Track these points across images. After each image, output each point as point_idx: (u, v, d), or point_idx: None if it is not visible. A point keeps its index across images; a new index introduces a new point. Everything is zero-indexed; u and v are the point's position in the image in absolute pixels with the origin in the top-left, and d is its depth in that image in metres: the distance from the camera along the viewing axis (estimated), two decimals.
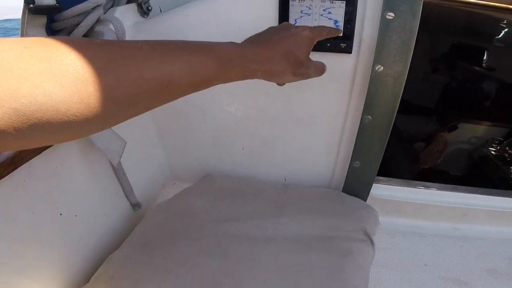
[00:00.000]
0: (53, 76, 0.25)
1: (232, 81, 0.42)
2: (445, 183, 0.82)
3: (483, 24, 1.84)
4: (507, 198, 0.79)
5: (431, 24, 2.28)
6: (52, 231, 0.57)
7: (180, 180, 0.98)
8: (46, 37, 0.27)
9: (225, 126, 0.83)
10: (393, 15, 0.55)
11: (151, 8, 0.78)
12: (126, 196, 0.78)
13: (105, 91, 0.27)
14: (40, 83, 0.24)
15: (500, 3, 1.39)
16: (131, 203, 0.79)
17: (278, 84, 0.52)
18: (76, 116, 0.26)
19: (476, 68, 2.03)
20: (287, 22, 0.60)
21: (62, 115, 0.25)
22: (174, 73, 0.33)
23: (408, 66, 0.59)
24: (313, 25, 0.64)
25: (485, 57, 1.91)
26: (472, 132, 1.88)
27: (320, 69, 0.52)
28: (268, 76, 0.45)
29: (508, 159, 1.71)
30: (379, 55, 0.58)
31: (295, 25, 0.64)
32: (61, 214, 0.59)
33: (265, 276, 0.58)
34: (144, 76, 0.30)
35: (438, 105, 2.48)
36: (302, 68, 0.48)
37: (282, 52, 0.46)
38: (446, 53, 2.26)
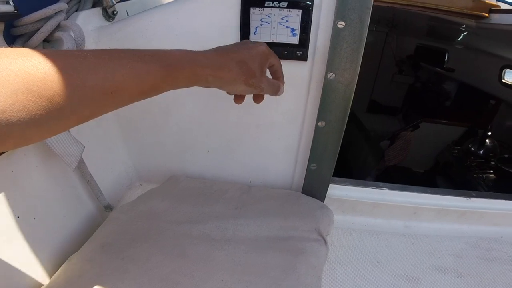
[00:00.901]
0: None
1: (183, 87, 0.42)
2: (408, 180, 0.86)
3: (444, 28, 1.92)
4: (453, 197, 0.84)
5: (399, 28, 2.36)
6: (9, 234, 0.57)
7: (147, 182, 0.98)
8: (2, 42, 0.28)
9: (189, 129, 0.84)
10: (344, 24, 0.58)
11: (117, 13, 0.78)
12: (93, 198, 0.78)
13: (46, 99, 0.28)
14: None
15: (458, 7, 1.46)
16: (101, 204, 0.79)
17: (228, 93, 0.52)
18: (18, 124, 0.27)
19: (438, 69, 2.11)
20: (247, 39, 0.62)
21: (3, 124, 0.26)
22: (119, 80, 0.33)
23: (358, 73, 0.61)
24: (272, 33, 0.66)
25: (446, 59, 2.00)
26: (433, 131, 1.96)
27: (274, 86, 0.53)
28: (219, 82, 0.45)
29: (469, 158, 1.79)
30: (331, 63, 0.61)
31: (256, 33, 0.66)
32: (18, 217, 0.58)
33: (222, 275, 0.60)
34: (87, 84, 0.30)
35: (402, 105, 2.58)
36: (254, 79, 0.48)
37: (236, 60, 0.47)
38: (411, 55, 2.35)
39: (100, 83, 0.32)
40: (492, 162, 1.69)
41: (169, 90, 0.40)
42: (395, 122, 2.51)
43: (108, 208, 0.80)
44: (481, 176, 1.66)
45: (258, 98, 0.57)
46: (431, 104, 2.31)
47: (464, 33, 1.85)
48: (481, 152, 1.74)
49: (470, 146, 1.79)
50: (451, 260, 0.76)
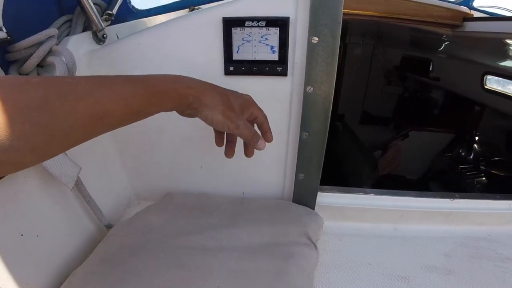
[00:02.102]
0: None
1: (169, 108, 0.45)
2: (403, 188, 0.89)
3: (426, 38, 1.97)
4: (437, 199, 0.87)
5: (384, 40, 2.43)
6: (13, 251, 0.59)
7: (145, 200, 1.00)
8: None
9: (182, 147, 0.86)
10: (317, 40, 0.62)
11: (106, 36, 0.81)
12: (93, 217, 0.80)
13: (42, 128, 0.29)
14: None
15: (433, 17, 1.51)
16: (101, 223, 0.81)
17: (207, 123, 0.50)
18: (15, 152, 0.28)
19: (424, 79, 2.16)
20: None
21: (2, 151, 0.27)
22: (107, 106, 0.35)
23: (334, 86, 0.65)
24: (253, 51, 0.70)
25: (431, 68, 2.05)
26: (422, 139, 1.99)
27: (251, 130, 0.52)
28: (199, 103, 0.46)
29: (459, 164, 1.82)
30: (308, 77, 0.65)
31: (238, 51, 0.71)
32: (22, 235, 0.60)
33: (217, 282, 0.62)
34: (78, 111, 0.32)
35: (393, 115, 2.62)
36: (232, 112, 0.49)
37: (219, 91, 0.49)
38: (398, 66, 2.41)
39: (90, 109, 0.33)
40: (481, 167, 1.71)
41: (156, 112, 0.43)
42: (387, 132, 2.55)
43: (109, 227, 0.82)
44: (473, 181, 1.69)
45: (248, 150, 0.58)
46: (419, 113, 2.34)
47: (446, 43, 1.91)
48: (471, 157, 1.77)
49: (460, 151, 1.82)
50: (441, 259, 0.78)
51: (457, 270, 0.74)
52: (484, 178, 1.70)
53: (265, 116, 0.57)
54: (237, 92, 0.54)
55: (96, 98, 0.34)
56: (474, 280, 0.72)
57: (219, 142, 0.59)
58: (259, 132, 0.57)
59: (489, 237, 0.86)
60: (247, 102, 0.53)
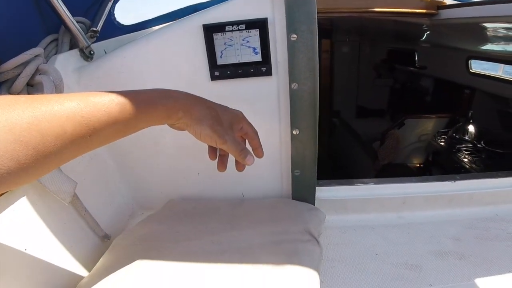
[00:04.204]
0: None
1: (157, 123, 0.43)
2: (405, 175, 0.86)
3: (407, 30, 1.95)
4: (438, 183, 0.83)
5: (369, 36, 2.41)
6: (17, 264, 0.57)
7: (147, 209, 0.97)
8: None
9: (178, 155, 0.84)
10: (296, 36, 0.60)
11: (94, 52, 0.80)
12: (92, 229, 0.77)
13: (32, 148, 0.28)
14: None
15: (408, 8, 1.50)
16: (98, 235, 0.79)
17: (196, 137, 0.48)
18: (8, 173, 0.27)
19: (411, 68, 2.14)
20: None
21: None
22: (95, 124, 0.34)
23: (318, 80, 0.63)
24: (237, 55, 0.68)
25: (416, 58, 2.03)
26: (418, 125, 1.96)
27: (239, 145, 0.50)
28: (189, 117, 0.45)
29: (456, 145, 1.78)
30: (292, 74, 0.63)
31: (222, 56, 0.68)
32: (25, 249, 0.58)
33: (219, 285, 0.59)
34: (66, 130, 0.31)
35: (387, 106, 2.59)
36: (220, 127, 0.47)
37: (207, 105, 0.47)
38: (385, 59, 2.39)
39: (77, 128, 0.32)
40: (479, 145, 1.66)
41: (144, 127, 0.41)
42: (384, 123, 2.52)
43: (106, 237, 0.80)
44: (472, 159, 1.64)
45: (239, 166, 0.55)
46: (412, 101, 2.32)
47: (427, 32, 1.89)
48: (467, 137, 1.73)
49: (453, 134, 1.78)
50: (450, 243, 0.74)
51: (469, 253, 0.70)
52: (481, 156, 1.65)
53: (256, 132, 0.55)
54: (227, 107, 0.51)
55: (83, 117, 0.33)
56: (487, 262, 0.67)
57: (212, 156, 0.56)
58: (250, 148, 0.55)
59: (497, 217, 0.81)
60: (236, 117, 0.51)
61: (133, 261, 0.66)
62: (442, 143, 1.85)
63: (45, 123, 0.30)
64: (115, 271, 0.64)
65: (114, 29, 1.06)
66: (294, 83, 0.63)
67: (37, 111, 0.30)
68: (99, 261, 0.70)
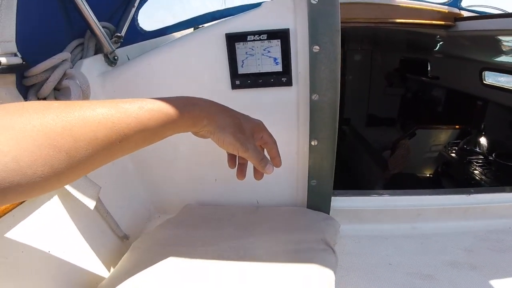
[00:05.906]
0: (18, 143, 0.26)
1: (183, 131, 0.43)
2: (414, 185, 0.85)
3: (421, 40, 1.94)
4: (453, 196, 0.82)
5: (382, 45, 2.39)
6: (42, 266, 0.57)
7: (164, 213, 0.98)
8: (16, 94, 0.28)
9: (196, 161, 0.85)
10: (319, 48, 0.59)
11: (117, 58, 0.80)
12: (113, 230, 0.78)
13: (65, 153, 0.28)
14: (8, 151, 0.25)
15: (426, 19, 1.49)
16: (118, 236, 0.80)
17: (219, 145, 0.49)
18: (41, 177, 0.27)
19: (423, 78, 2.11)
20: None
21: (29, 178, 0.26)
22: (125, 131, 0.34)
23: (339, 92, 0.62)
24: (257, 64, 0.68)
25: (429, 68, 2.00)
26: (429, 136, 1.93)
27: (260, 153, 0.50)
28: (213, 125, 0.45)
29: (467, 157, 1.75)
30: (313, 85, 0.62)
31: (243, 65, 0.68)
32: (49, 251, 0.59)
33: None
34: (98, 136, 0.31)
35: (398, 115, 2.56)
36: (242, 135, 0.47)
37: (230, 113, 0.48)
38: (398, 68, 2.36)
39: (108, 134, 0.32)
40: (490, 158, 1.64)
41: (170, 135, 0.41)
42: (394, 132, 2.49)
43: (125, 237, 0.80)
44: (483, 171, 1.61)
45: (257, 173, 0.55)
46: (424, 111, 2.29)
47: (440, 43, 1.87)
48: (478, 149, 1.70)
49: (465, 146, 1.76)
50: (463, 254, 0.73)
51: (481, 264, 0.69)
52: (492, 169, 1.62)
53: (275, 142, 0.55)
54: (249, 116, 0.52)
55: (114, 123, 0.33)
56: (500, 272, 0.67)
57: (231, 164, 0.56)
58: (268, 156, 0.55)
59: (510, 230, 0.80)
60: (258, 126, 0.51)
61: (152, 265, 0.66)
62: (453, 154, 1.83)
63: (78, 128, 0.30)
64: (134, 274, 0.64)
65: (137, 34, 1.07)
66: (315, 94, 0.63)
67: (70, 116, 0.30)
68: (118, 263, 0.70)
